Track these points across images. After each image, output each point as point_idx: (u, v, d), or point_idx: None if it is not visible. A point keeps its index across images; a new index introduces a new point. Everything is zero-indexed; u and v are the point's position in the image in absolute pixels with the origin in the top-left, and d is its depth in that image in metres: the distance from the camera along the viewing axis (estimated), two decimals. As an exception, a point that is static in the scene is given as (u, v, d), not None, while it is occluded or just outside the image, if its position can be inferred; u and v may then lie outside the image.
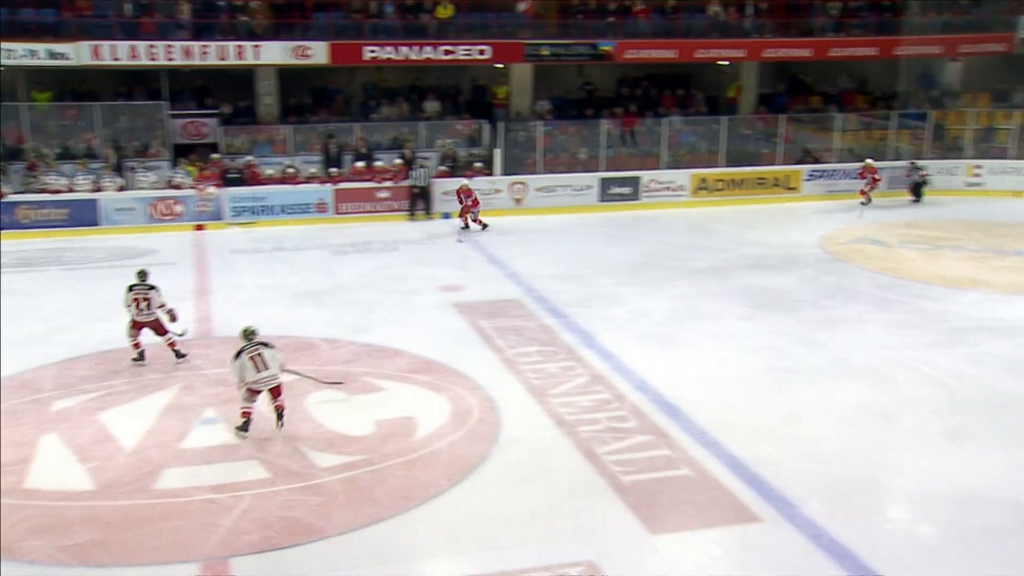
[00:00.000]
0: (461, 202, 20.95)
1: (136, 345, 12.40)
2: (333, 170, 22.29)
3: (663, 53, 24.79)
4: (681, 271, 17.37)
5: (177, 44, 21.53)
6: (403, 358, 12.68)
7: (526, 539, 8.33)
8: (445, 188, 22.34)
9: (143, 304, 12.22)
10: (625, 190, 23.63)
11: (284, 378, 10.48)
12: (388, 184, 22.17)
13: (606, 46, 24.10)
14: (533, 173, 23.43)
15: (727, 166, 24.55)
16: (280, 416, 10.39)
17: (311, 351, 12.91)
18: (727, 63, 26.21)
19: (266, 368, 10.21)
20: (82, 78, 22.85)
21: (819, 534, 8.30)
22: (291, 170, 22.13)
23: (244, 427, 10.24)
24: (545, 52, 23.86)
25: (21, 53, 20.71)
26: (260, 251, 19.05)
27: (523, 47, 23.69)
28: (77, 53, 20.89)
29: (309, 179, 22.09)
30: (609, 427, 10.52)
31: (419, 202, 22.12)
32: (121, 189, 21.04)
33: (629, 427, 10.54)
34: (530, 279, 16.70)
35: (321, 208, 21.69)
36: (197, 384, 11.72)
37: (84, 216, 20.53)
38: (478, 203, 20.98)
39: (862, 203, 23.42)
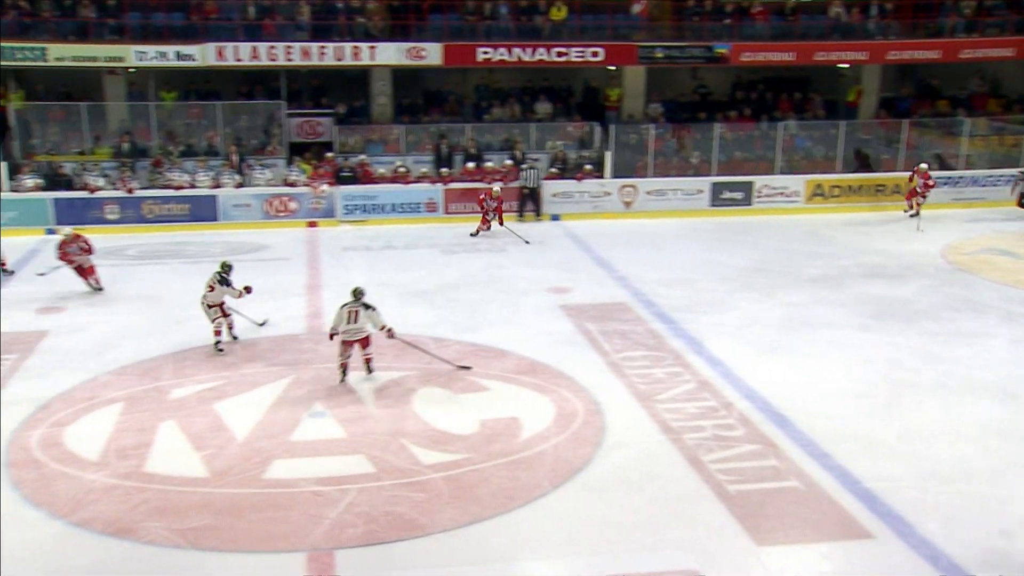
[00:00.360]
0: (483, 208, 20.32)
1: (218, 332, 13.09)
2: (444, 170, 22.50)
3: (781, 56, 24.23)
4: (793, 278, 16.93)
5: (296, 45, 22.07)
6: (509, 359, 12.69)
7: (629, 545, 8.24)
8: (555, 190, 22.32)
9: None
10: (737, 195, 23.18)
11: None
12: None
13: (722, 48, 23.71)
14: (644, 176, 23.18)
15: (844, 172, 23.85)
16: (369, 367, 11.91)
17: (418, 349, 13.02)
18: (848, 66, 25.46)
19: (355, 323, 11.59)
20: (206, 78, 23.63)
21: (937, 555, 7.97)
22: (402, 169, 22.43)
23: (343, 378, 11.68)
24: (659, 54, 23.62)
25: (152, 55, 21.57)
26: (370, 249, 19.36)
27: (637, 49, 23.49)
28: (203, 54, 21.63)
29: (420, 179, 22.34)
30: (715, 435, 10.32)
31: (528, 203, 22.14)
32: (239, 186, 21.67)
33: (736, 436, 10.32)
34: (638, 283, 16.52)
35: (431, 207, 21.92)
36: (307, 378, 11.95)
37: (204, 211, 21.21)
38: (500, 210, 20.41)
39: (909, 214, 21.97)
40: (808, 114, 25.78)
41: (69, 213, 20.50)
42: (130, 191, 21.00)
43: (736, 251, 19.00)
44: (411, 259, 18.50)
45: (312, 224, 21.48)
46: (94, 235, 18.49)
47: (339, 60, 22.28)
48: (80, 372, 12.10)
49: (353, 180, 22.02)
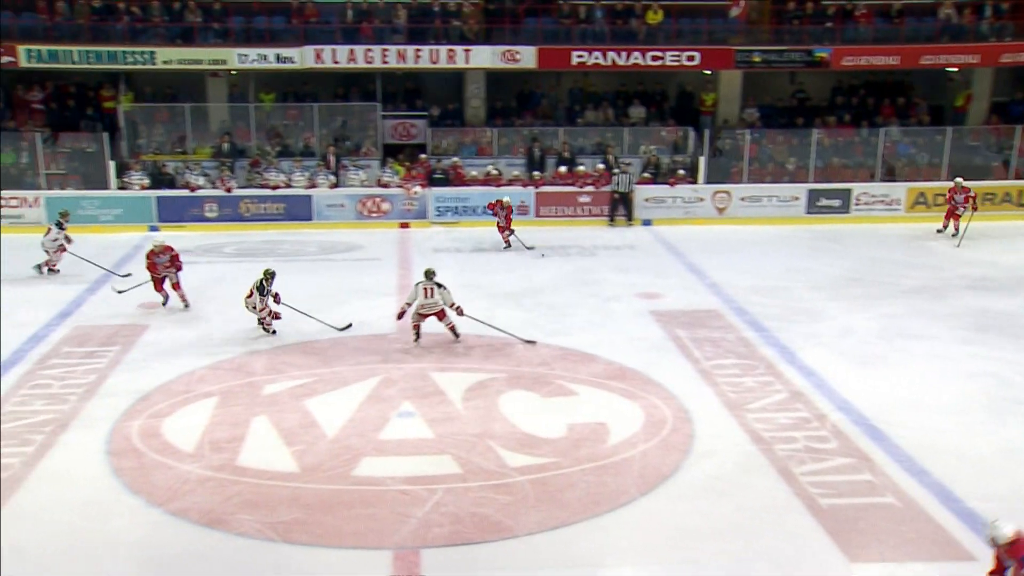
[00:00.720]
0: (496, 213, 19.94)
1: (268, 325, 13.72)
2: (536, 173, 22.51)
3: (884, 59, 23.59)
4: (892, 288, 16.44)
5: (392, 48, 22.38)
6: (598, 363, 12.61)
7: (716, 554, 8.09)
8: (647, 195, 22.15)
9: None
10: (834, 202, 22.64)
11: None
12: (590, 189, 22.18)
13: (822, 53, 23.19)
14: (738, 182, 22.84)
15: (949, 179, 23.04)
16: (455, 333, 13.30)
17: (506, 352, 13.05)
18: (956, 69, 24.63)
19: (431, 298, 13.02)
20: (304, 80, 24.10)
21: (1043, 580, 7.60)
22: (494, 172, 22.53)
23: (417, 339, 13.19)
24: (756, 59, 23.25)
25: (253, 58, 22.13)
26: (461, 251, 19.47)
27: (734, 53, 23.16)
28: (302, 57, 22.09)
29: (511, 181, 22.40)
30: (808, 447, 10.06)
31: (620, 208, 22.01)
32: (333, 186, 22.04)
33: (829, 448, 10.05)
34: (730, 290, 16.26)
35: (522, 210, 21.93)
36: (397, 377, 12.06)
37: (299, 211, 21.65)
38: (510, 221, 19.99)
39: (941, 230, 20.93)
40: (912, 120, 25.01)
41: (171, 211, 21.20)
42: (228, 190, 21.56)
43: (832, 260, 18.56)
44: (500, 261, 18.55)
45: (404, 225, 21.72)
46: (194, 233, 19.17)
47: (434, 63, 22.52)
48: (177, 366, 12.42)
49: (445, 182, 22.20)
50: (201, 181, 21.79)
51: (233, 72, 23.06)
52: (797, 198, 22.63)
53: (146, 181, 21.69)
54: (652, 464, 9.66)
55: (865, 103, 25.39)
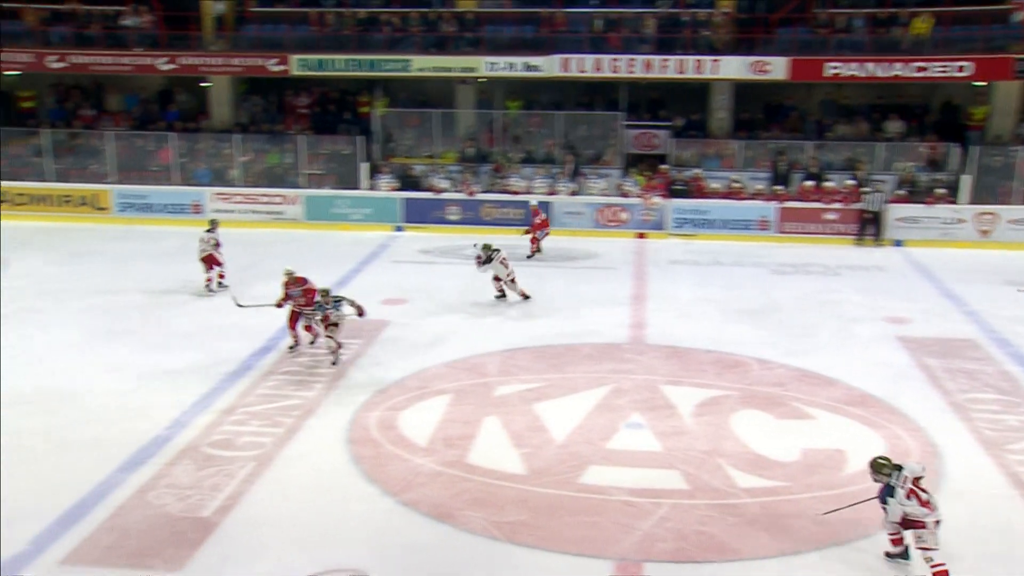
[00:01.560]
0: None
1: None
2: (779, 188, 21.75)
3: None
4: None
5: (639, 58, 22.27)
6: (837, 388, 11.98)
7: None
8: (901, 214, 20.89)
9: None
10: (1122, 229, 20.46)
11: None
12: (837, 206, 21.19)
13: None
14: (1007, 203, 21.07)
15: None
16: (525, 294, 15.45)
17: (740, 369, 12.66)
18: None
19: (509, 268, 15.45)
20: (549, 89, 24.46)
21: None
22: (737, 185, 21.96)
23: (526, 297, 15.48)
24: (1041, 68, 21.29)
25: (501, 66, 22.71)
26: (698, 264, 19.10)
27: (1013, 63, 21.24)
28: (549, 66, 22.42)
29: (754, 195, 21.77)
30: (1078, 497, 9.11)
31: (869, 227, 20.87)
32: (573, 194, 22.22)
33: (1103, 502, 9.05)
34: (991, 319, 15.01)
35: (763, 225, 21.27)
36: (627, 387, 11.95)
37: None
38: (546, 224, 19.74)
39: None
40: None
41: (415, 212, 22.12)
42: (471, 194, 22.21)
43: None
44: (738, 276, 18.02)
45: (641, 235, 21.58)
46: (435, 234, 19.80)
47: (680, 73, 22.21)
48: (414, 362, 12.87)
49: (686, 194, 21.87)
50: (445, 184, 22.58)
51: (481, 79, 23.75)
52: (1078, 223, 20.60)
53: (396, 183, 22.72)
54: (894, 499, 9.04)
55: None
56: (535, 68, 22.56)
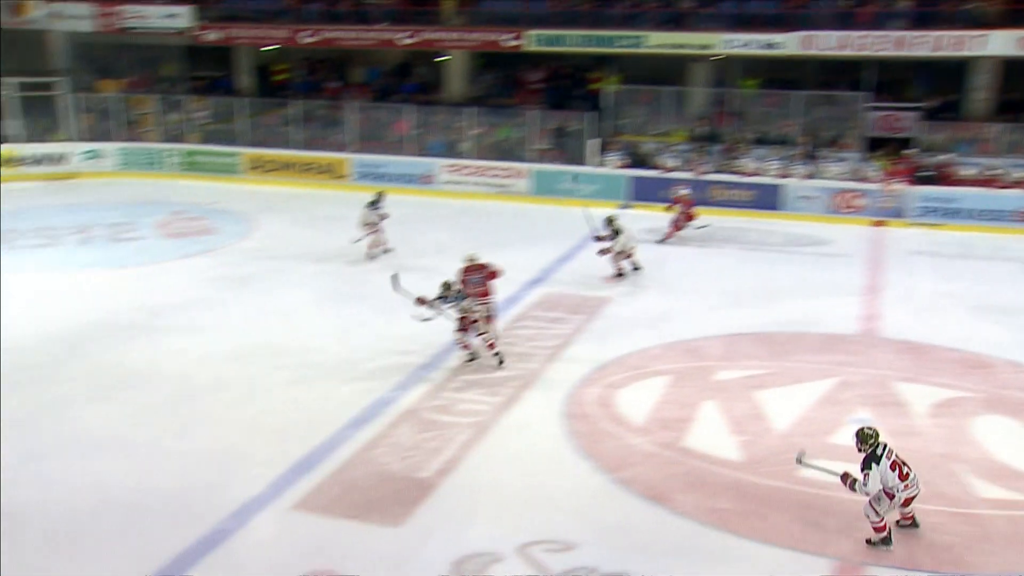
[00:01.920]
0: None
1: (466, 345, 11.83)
2: (1043, 176, 19.94)
3: None
4: None
5: (890, 35, 20.98)
6: (1100, 399, 10.85)
7: None
8: None
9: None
10: None
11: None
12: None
13: None
14: None
15: None
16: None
17: (986, 371, 11.70)
18: None
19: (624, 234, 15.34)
20: (788, 67, 23.50)
21: None
22: (993, 172, 20.26)
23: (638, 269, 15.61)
24: None
25: (739, 43, 22.04)
26: (941, 255, 17.81)
27: None
28: (789, 43, 21.53)
29: (1014, 184, 20.00)
30: None
31: None
32: (808, 177, 21.27)
33: None
34: None
35: (1022, 217, 19.56)
36: (855, 381, 11.31)
37: (767, 200, 21.19)
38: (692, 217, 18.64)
39: None
40: None
41: (643, 190, 21.83)
42: (700, 174, 21.69)
43: None
44: (988, 271, 16.66)
45: (879, 223, 20.38)
46: (662, 213, 19.38)
47: (936, 51, 20.73)
48: (635, 340, 12.71)
49: (932, 180, 20.43)
50: (674, 163, 22.17)
51: (717, 57, 23.11)
52: None
53: (625, 160, 22.53)
54: None
55: None
56: (775, 46, 21.74)
